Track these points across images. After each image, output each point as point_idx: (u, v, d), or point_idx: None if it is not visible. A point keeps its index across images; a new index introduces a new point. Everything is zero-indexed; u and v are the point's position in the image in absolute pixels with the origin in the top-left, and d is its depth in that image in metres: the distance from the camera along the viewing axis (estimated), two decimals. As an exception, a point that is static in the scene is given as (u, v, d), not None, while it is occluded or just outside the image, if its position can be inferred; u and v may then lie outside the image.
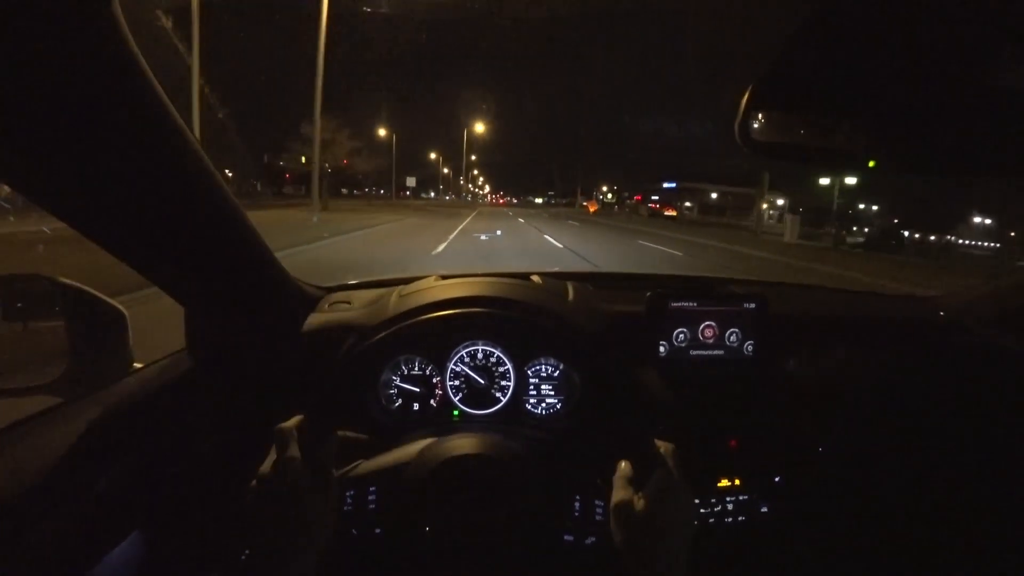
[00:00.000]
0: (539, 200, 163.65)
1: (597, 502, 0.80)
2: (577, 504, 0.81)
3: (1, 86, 0.47)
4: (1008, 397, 1.20)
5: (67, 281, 0.81)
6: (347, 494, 0.75)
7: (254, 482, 0.68)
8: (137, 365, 0.89)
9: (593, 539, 0.81)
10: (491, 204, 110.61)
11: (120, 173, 0.61)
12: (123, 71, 0.53)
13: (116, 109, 0.55)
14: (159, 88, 0.58)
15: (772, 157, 0.65)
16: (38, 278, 0.81)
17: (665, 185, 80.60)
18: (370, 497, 0.76)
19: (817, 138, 0.65)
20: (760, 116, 0.62)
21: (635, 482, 0.74)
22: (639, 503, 0.71)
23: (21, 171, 0.57)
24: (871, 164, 0.64)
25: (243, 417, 0.98)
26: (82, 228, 0.66)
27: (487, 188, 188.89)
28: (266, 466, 0.68)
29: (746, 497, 1.05)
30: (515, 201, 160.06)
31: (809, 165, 0.78)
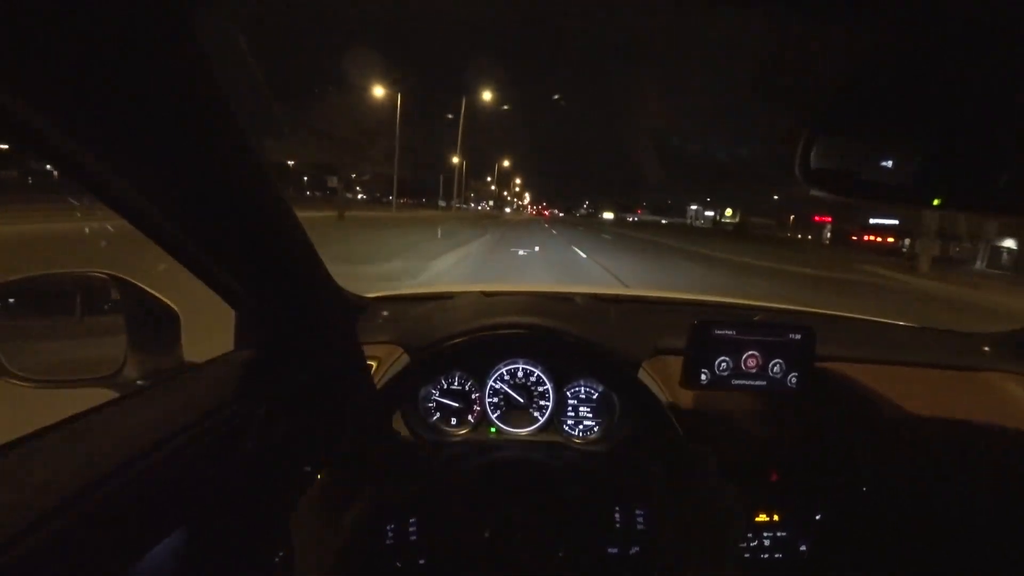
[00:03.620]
0: (608, 215, 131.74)
1: (638, 512, 0.79)
2: (618, 515, 0.80)
3: (81, 92, 0.49)
4: None
5: (127, 279, 0.85)
6: (387, 528, 0.75)
7: (295, 516, 0.70)
8: (187, 363, 0.92)
9: (637, 548, 0.80)
10: (532, 215, 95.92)
11: (182, 177, 0.64)
12: (194, 81, 0.56)
13: (184, 116, 0.58)
14: (225, 96, 0.60)
15: (833, 191, 0.63)
16: (101, 276, 0.85)
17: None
18: (411, 528, 0.76)
19: (881, 172, 0.63)
20: (821, 147, 0.61)
21: (676, 488, 0.72)
22: (683, 507, 0.69)
23: (92, 171, 0.60)
24: (936, 202, 0.62)
25: (287, 421, 1.00)
26: (143, 227, 0.70)
27: (527, 197, 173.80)
28: (306, 502, 0.70)
29: (784, 534, 1.02)
30: (561, 214, 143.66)
31: (870, 199, 0.74)
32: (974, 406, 1.17)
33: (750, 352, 1.10)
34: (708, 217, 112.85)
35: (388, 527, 0.75)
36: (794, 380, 1.11)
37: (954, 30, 0.46)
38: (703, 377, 1.09)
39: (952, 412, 1.16)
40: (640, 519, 0.78)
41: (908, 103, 0.58)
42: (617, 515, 0.79)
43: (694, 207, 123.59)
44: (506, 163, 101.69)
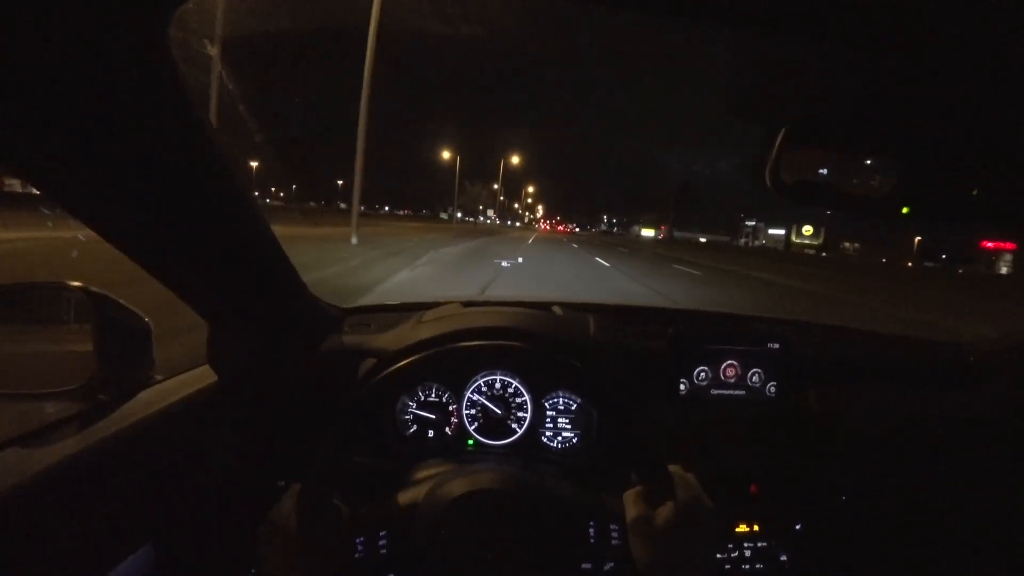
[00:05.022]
0: (647, 232, 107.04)
1: (612, 526, 0.78)
2: (592, 530, 0.79)
3: (55, 105, 0.49)
4: None
5: (97, 290, 0.83)
6: (357, 541, 0.74)
7: (262, 527, 0.69)
8: (158, 377, 0.90)
9: (612, 564, 0.79)
10: (544, 231, 79.65)
11: (155, 189, 0.63)
12: (167, 94, 0.55)
13: (157, 129, 0.57)
14: (197, 109, 0.60)
15: (802, 200, 0.65)
16: (69, 286, 0.83)
17: None
18: (381, 542, 0.75)
19: (850, 182, 0.64)
20: (791, 158, 0.62)
21: (650, 500, 0.72)
22: (657, 519, 0.69)
23: (60, 181, 0.59)
24: (904, 210, 0.63)
25: (259, 435, 0.98)
26: (113, 239, 0.68)
27: (540, 210, 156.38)
28: (275, 514, 0.69)
29: (765, 544, 1.02)
30: (576, 229, 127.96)
31: (840, 208, 0.76)
32: (955, 415, 1.19)
33: (729, 362, 1.11)
34: (773, 236, 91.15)
35: (357, 540, 0.74)
36: (772, 390, 1.12)
37: (924, 42, 0.47)
38: (682, 387, 1.10)
39: (932, 421, 1.18)
40: (615, 534, 0.78)
41: (879, 114, 0.59)
42: (591, 530, 0.79)
43: (751, 223, 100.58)
44: (515, 159, 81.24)
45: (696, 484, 0.73)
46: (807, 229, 73.54)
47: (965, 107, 0.58)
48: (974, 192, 0.64)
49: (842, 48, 0.52)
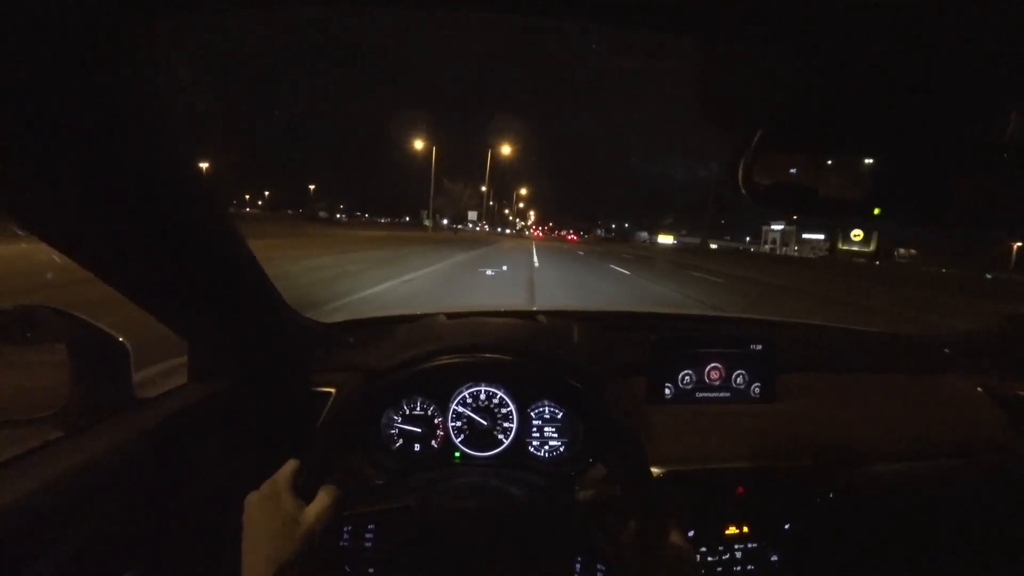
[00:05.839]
0: (666, 239, 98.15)
1: (599, 566, 0.79)
2: (578, 565, 0.79)
3: (27, 119, 0.48)
4: (1017, 439, 1.18)
5: (71, 313, 0.81)
6: (344, 529, 0.74)
7: (253, 493, 0.68)
8: (137, 399, 0.88)
9: None
10: (538, 237, 73.78)
11: (126, 209, 0.62)
12: (142, 109, 0.54)
13: (130, 145, 0.56)
14: (172, 127, 0.59)
15: (775, 204, 0.65)
16: (43, 309, 0.81)
17: None
18: (367, 535, 0.74)
19: (824, 185, 0.65)
20: (765, 161, 0.63)
21: (642, 548, 0.72)
22: (647, 569, 0.69)
23: (28, 202, 0.57)
24: (876, 212, 0.64)
25: (244, 452, 0.97)
26: (86, 263, 0.67)
27: (532, 216, 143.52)
28: (269, 484, 0.68)
29: (754, 545, 1.03)
30: (562, 234, 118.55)
31: (814, 212, 0.78)
32: (935, 409, 1.22)
33: (713, 365, 1.12)
34: (810, 241, 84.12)
35: (345, 528, 0.73)
36: (757, 390, 1.14)
37: (898, 45, 0.48)
38: (667, 392, 1.10)
39: (914, 416, 1.20)
40: (600, 574, 0.78)
41: (854, 115, 0.60)
42: (577, 565, 0.79)
43: (778, 227, 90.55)
44: (505, 149, 71.73)
45: (686, 541, 0.74)
46: (856, 233, 64.42)
47: (940, 107, 0.59)
48: (951, 192, 0.65)
49: (814, 53, 0.53)
